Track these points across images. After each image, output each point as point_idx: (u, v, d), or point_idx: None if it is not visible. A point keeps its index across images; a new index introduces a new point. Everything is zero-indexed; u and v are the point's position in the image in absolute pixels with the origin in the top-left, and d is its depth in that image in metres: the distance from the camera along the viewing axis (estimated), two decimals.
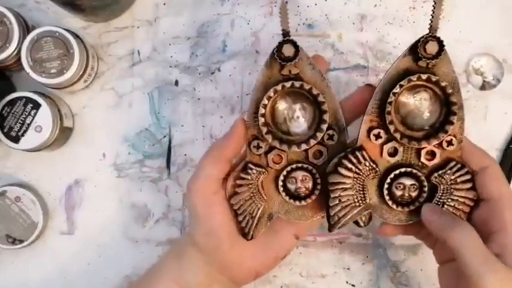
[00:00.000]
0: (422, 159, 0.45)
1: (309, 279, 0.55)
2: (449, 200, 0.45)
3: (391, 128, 0.44)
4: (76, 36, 0.52)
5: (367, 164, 0.44)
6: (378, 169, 0.45)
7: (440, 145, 0.45)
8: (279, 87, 0.44)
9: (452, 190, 0.45)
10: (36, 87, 0.52)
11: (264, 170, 0.45)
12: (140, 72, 0.56)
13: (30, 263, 0.55)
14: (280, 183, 0.45)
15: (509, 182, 0.55)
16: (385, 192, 0.45)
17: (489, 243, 0.42)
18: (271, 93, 0.44)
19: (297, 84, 0.44)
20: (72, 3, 0.51)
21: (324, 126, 0.44)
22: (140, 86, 0.56)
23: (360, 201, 0.45)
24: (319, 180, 0.45)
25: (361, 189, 0.45)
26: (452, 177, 0.45)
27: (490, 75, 0.56)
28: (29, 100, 0.51)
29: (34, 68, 0.51)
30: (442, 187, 0.45)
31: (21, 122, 0.51)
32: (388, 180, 0.45)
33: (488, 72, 0.56)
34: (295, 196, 0.45)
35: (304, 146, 0.44)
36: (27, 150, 0.52)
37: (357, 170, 0.44)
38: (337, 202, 0.44)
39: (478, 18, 0.56)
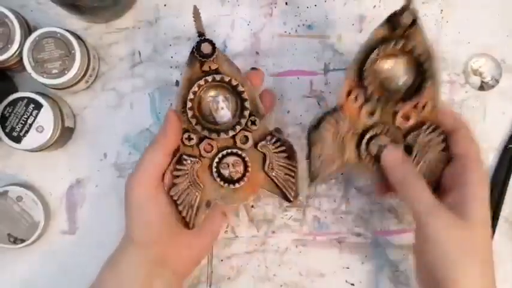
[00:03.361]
0: (398, 121, 0.48)
1: (308, 278, 0.55)
2: (424, 161, 0.47)
3: (369, 90, 0.46)
4: (77, 37, 0.52)
5: (346, 122, 0.47)
6: (356, 128, 0.48)
7: (415, 108, 0.47)
8: (202, 82, 0.47)
9: (426, 150, 0.47)
10: (37, 87, 0.53)
11: (197, 159, 0.48)
12: (141, 72, 0.56)
13: (32, 263, 0.55)
14: (214, 169, 0.48)
15: (508, 181, 0.55)
16: (363, 149, 0.48)
17: (449, 194, 0.46)
18: (195, 88, 0.47)
19: (218, 77, 0.48)
20: (73, 4, 0.51)
21: (247, 113, 0.48)
22: (141, 87, 0.56)
23: (337, 158, 0.48)
24: (249, 163, 0.48)
25: (340, 146, 0.48)
26: (427, 139, 0.47)
27: (489, 75, 0.56)
28: (30, 100, 0.51)
29: (36, 69, 0.51)
30: (416, 147, 0.47)
31: (23, 122, 0.51)
32: (365, 140, 0.48)
33: (487, 72, 0.56)
34: (229, 180, 0.48)
35: (231, 133, 0.48)
36: (29, 150, 0.52)
37: (336, 127, 0.47)
38: (318, 157, 0.48)
39: (477, 19, 0.56)
